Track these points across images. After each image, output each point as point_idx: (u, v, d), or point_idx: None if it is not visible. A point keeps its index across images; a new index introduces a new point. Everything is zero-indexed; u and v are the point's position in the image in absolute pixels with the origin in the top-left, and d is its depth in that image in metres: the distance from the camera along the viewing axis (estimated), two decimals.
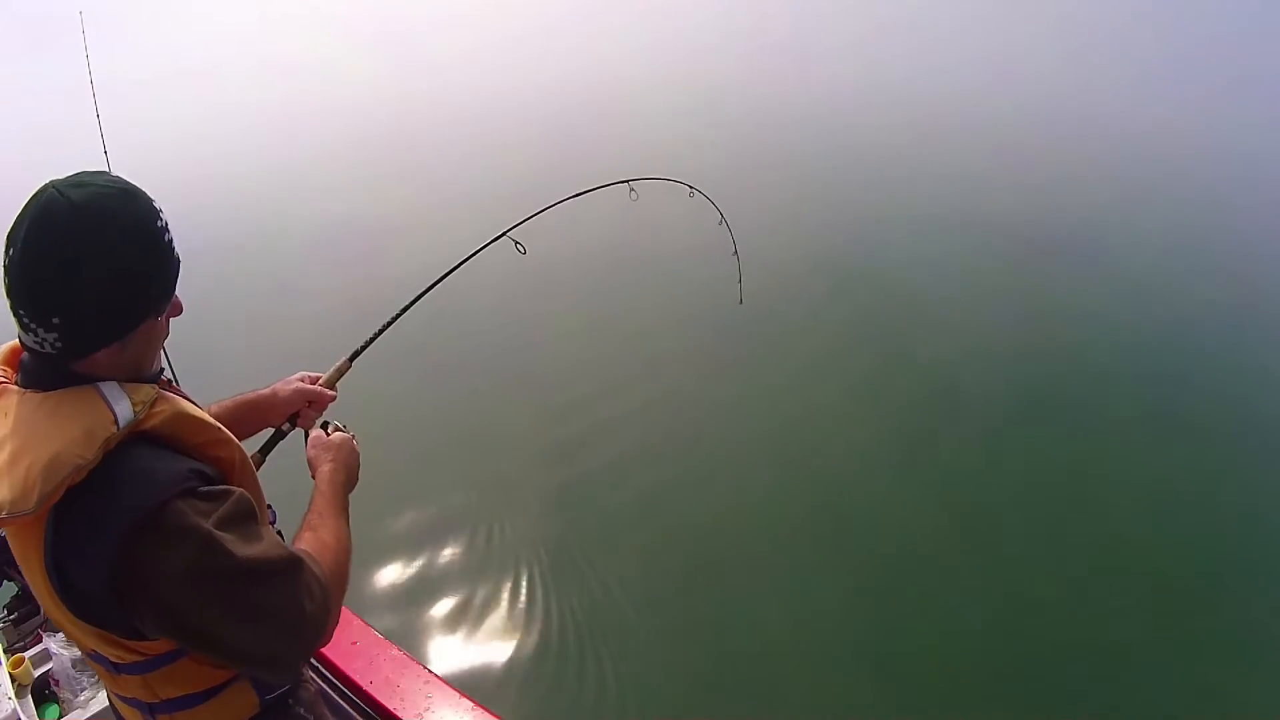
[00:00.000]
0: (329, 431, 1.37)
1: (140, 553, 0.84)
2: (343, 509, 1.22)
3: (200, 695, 1.03)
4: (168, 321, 1.00)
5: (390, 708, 1.74)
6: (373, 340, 1.60)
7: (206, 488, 0.90)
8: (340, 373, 1.53)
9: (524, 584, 4.05)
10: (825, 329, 6.71)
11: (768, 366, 6.14)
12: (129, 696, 1.04)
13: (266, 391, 1.42)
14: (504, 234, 1.91)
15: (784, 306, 6.94)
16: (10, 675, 1.99)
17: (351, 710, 1.81)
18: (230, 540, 0.87)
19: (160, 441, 0.92)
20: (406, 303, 1.69)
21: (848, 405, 5.57)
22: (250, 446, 1.39)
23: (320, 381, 1.49)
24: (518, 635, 3.76)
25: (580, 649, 3.62)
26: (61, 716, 1.98)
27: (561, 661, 3.58)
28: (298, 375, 1.47)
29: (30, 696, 2.00)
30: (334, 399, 1.48)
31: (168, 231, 0.94)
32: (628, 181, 2.35)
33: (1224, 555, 4.14)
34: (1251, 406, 5.42)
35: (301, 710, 1.19)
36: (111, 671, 1.00)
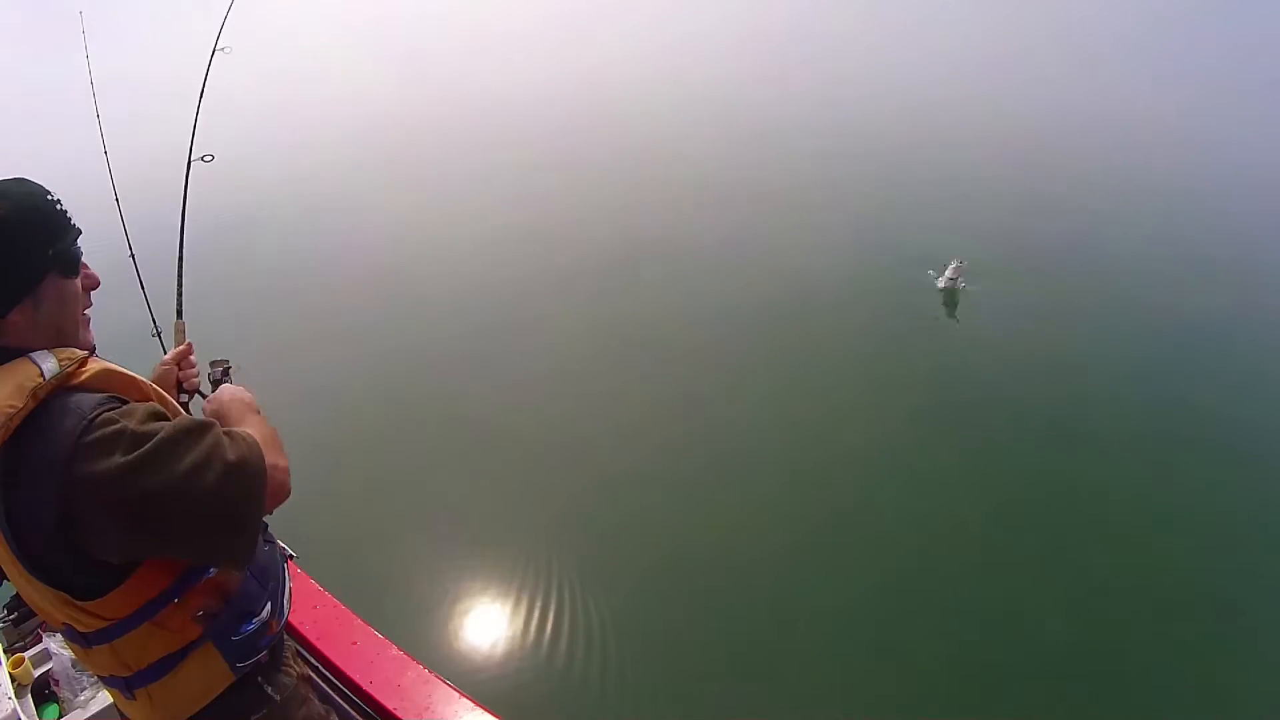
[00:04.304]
0: (215, 373, 1.49)
1: (79, 470, 0.89)
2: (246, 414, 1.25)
3: (168, 661, 1.06)
4: (86, 292, 1.08)
5: (390, 708, 1.74)
6: (180, 286, 1.75)
7: (128, 404, 0.99)
8: (181, 331, 1.65)
9: (526, 584, 4.05)
10: (836, 332, 6.72)
11: (780, 366, 6.15)
12: (107, 675, 1.09)
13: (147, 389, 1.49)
14: (190, 160, 1.98)
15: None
16: (10, 675, 1.99)
17: (352, 710, 1.81)
18: (150, 430, 0.94)
19: (91, 391, 0.98)
20: (179, 235, 1.85)
21: (857, 410, 5.58)
22: None
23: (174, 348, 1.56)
24: (520, 635, 3.76)
25: (584, 649, 3.62)
26: (61, 716, 1.98)
27: (564, 662, 3.58)
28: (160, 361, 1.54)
29: (30, 696, 2.00)
30: (190, 348, 1.53)
31: (60, 204, 1.04)
32: None
33: (1224, 560, 4.14)
34: (1252, 414, 5.41)
35: (270, 690, 1.20)
36: (83, 646, 1.05)
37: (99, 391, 0.99)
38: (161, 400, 1.09)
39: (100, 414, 0.94)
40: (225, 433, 1.02)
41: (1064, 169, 11.29)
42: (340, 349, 6.99)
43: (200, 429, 0.99)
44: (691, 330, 6.77)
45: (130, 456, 0.91)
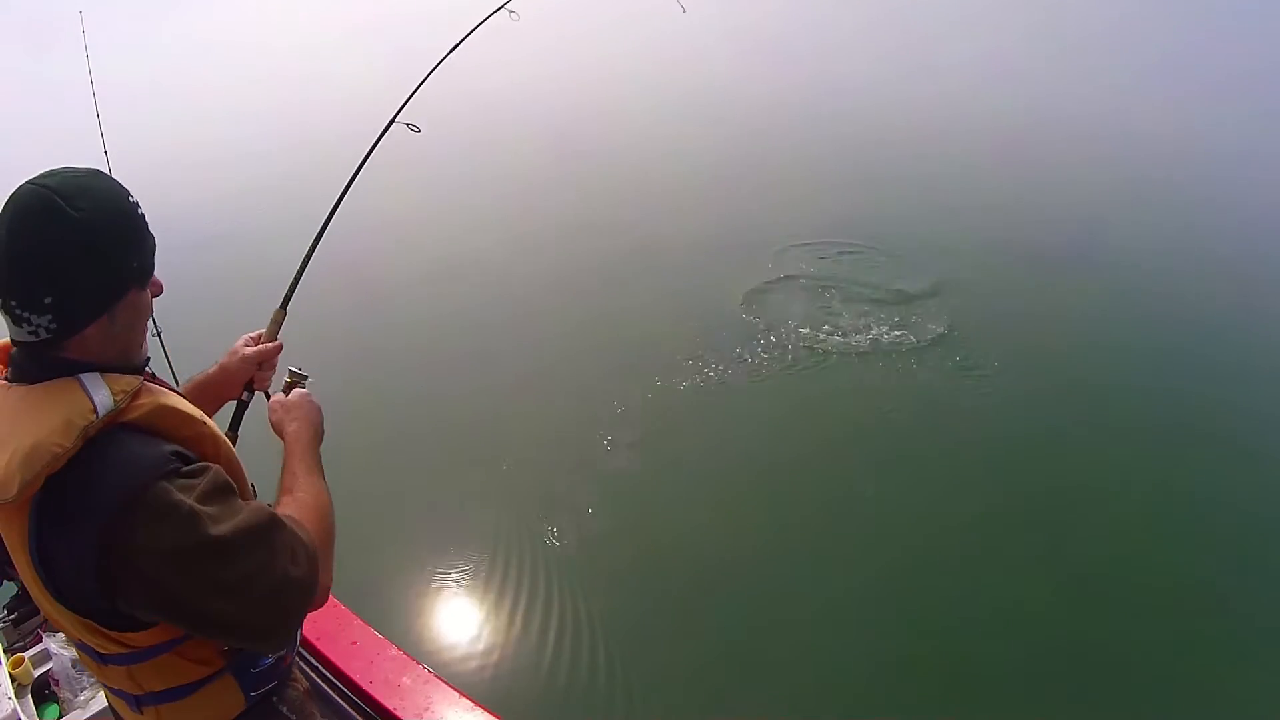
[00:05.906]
0: (289, 380, 1.39)
1: (125, 534, 0.85)
2: (315, 465, 1.23)
3: (184, 689, 1.05)
4: (150, 299, 1.02)
5: (390, 707, 1.74)
6: (298, 280, 1.58)
7: (188, 467, 0.92)
8: (277, 323, 1.51)
9: (525, 584, 4.04)
10: (828, 327, 6.72)
11: (773, 362, 6.13)
12: (116, 687, 1.07)
13: (215, 369, 1.41)
14: (393, 120, 1.83)
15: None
16: (10, 675, 1.99)
17: (352, 710, 1.81)
18: (212, 514, 0.88)
19: (142, 432, 0.93)
20: (318, 230, 1.66)
21: (851, 406, 5.56)
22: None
23: (262, 339, 1.47)
24: (519, 635, 3.75)
25: (584, 649, 3.61)
26: (61, 716, 1.98)
27: (564, 661, 3.57)
28: (241, 340, 1.45)
29: (30, 696, 2.00)
30: (280, 349, 1.46)
31: (140, 207, 0.96)
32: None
33: (1224, 559, 4.13)
34: (1251, 410, 5.40)
35: (285, 709, 1.20)
36: (98, 662, 1.03)
37: (150, 432, 0.93)
38: (221, 457, 1.02)
39: (159, 479, 0.87)
40: (292, 536, 0.97)
41: (1062, 164, 11.30)
42: (338, 349, 6.98)
43: (266, 533, 0.93)
44: (684, 328, 6.76)
45: (184, 544, 0.86)
